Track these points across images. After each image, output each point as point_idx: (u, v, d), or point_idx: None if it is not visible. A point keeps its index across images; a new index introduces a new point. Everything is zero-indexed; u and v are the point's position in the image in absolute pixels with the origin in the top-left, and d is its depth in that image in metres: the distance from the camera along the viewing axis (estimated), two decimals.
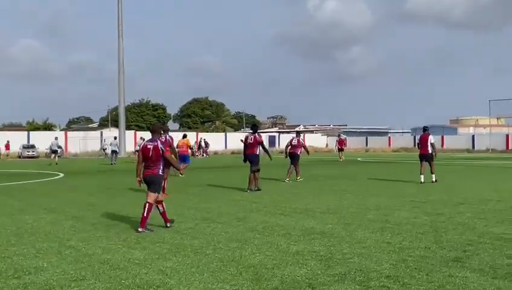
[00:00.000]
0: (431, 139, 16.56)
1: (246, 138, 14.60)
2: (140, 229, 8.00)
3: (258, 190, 14.16)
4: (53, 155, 35.45)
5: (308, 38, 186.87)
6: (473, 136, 59.84)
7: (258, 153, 14.47)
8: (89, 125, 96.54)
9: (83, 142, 58.81)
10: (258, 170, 14.29)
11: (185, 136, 22.69)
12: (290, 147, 18.10)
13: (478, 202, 11.30)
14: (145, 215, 8.04)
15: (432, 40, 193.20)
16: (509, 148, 53.65)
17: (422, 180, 16.05)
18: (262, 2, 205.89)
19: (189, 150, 23.51)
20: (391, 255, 6.31)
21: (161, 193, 8.47)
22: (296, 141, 18.15)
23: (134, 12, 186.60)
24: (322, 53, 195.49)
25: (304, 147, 18.63)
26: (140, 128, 74.26)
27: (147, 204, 8.11)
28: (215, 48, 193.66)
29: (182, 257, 6.36)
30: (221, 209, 10.61)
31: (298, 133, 19.82)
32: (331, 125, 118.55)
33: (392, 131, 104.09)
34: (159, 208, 8.37)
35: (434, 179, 16.23)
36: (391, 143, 65.76)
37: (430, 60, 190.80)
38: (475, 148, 56.13)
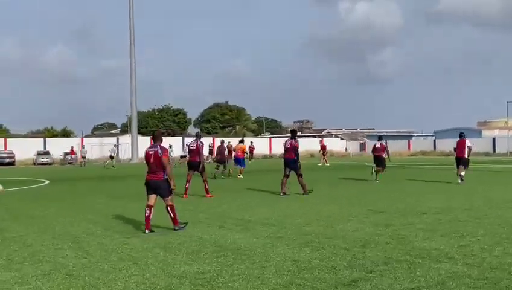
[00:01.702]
0: (467, 143, 17.78)
1: (285, 143, 14.80)
2: (176, 227, 8.66)
3: (310, 191, 14.31)
4: (108, 161, 39.16)
5: (337, 41, 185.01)
6: (494, 139, 57.78)
7: (295, 158, 14.29)
8: (111, 131, 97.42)
9: (99, 149, 59.25)
10: (301, 175, 14.35)
11: (241, 142, 25.13)
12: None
13: (442, 211, 10.45)
14: (172, 216, 8.68)
15: (464, 40, 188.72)
16: None
17: (459, 181, 17.16)
18: (291, 5, 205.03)
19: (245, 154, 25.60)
20: (283, 277, 5.62)
21: (169, 196, 8.79)
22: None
23: (161, 20, 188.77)
24: (351, 56, 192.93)
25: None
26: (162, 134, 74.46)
27: (169, 207, 8.70)
28: (244, 53, 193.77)
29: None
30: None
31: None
32: (358, 129, 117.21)
33: (415, 134, 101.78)
34: (146, 211, 8.67)
35: (460, 180, 17.23)
36: (411, 146, 64.06)
37: (462, 60, 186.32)
38: (496, 152, 54.20)
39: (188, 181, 14.74)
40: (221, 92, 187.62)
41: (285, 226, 9.02)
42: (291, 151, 14.33)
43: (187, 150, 16.43)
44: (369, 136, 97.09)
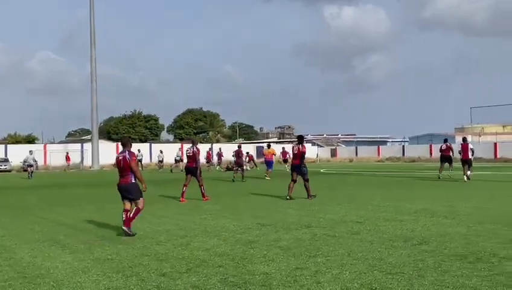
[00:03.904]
0: (470, 146, 21.44)
1: (292, 148, 15.30)
2: (125, 227, 8.74)
3: (313, 196, 14.61)
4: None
5: (325, 48, 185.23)
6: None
7: (301, 163, 14.66)
8: (83, 138, 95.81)
9: (63, 155, 57.85)
10: (307, 180, 14.68)
11: (269, 146, 29.52)
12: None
13: (335, 223, 9.68)
14: (131, 217, 8.83)
15: (451, 47, 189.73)
16: (497, 156, 51.45)
17: (465, 179, 20.56)
18: (280, 12, 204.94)
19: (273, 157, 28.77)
20: None
21: (140, 199, 9.02)
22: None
23: (154, 24, 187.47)
24: (339, 62, 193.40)
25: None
26: (132, 140, 73.36)
27: (135, 209, 8.90)
28: (233, 60, 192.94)
29: None
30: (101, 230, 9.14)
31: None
32: (339, 134, 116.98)
33: (390, 140, 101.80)
34: (123, 214, 8.94)
35: (466, 179, 20.67)
36: (380, 153, 63.67)
37: (447, 67, 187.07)
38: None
39: (185, 185, 15.29)
40: (202, 97, 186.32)
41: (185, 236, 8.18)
42: (298, 157, 14.68)
43: (179, 154, 17.66)
44: (348, 143, 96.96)
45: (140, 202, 8.99)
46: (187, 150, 15.81)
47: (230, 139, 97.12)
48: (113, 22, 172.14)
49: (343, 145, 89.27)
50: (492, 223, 9.44)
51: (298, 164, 14.77)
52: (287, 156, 37.52)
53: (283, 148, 35.65)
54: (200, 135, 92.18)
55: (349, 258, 6.76)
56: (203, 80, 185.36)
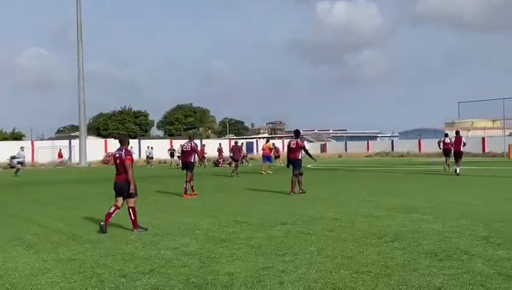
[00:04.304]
0: (463, 139, 22.16)
1: (289, 143, 15.17)
2: (135, 230, 8.81)
3: (303, 192, 14.63)
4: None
5: (318, 43, 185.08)
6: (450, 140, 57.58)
7: (300, 157, 14.77)
8: (72, 134, 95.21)
9: (51, 152, 57.36)
10: (301, 174, 14.81)
11: (267, 141, 31.05)
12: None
13: (312, 219, 9.54)
14: (133, 218, 8.89)
15: (443, 42, 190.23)
16: (485, 151, 51.63)
17: (458, 171, 21.27)
18: (272, 8, 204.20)
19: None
20: None
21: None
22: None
23: (144, 20, 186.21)
24: (331, 58, 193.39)
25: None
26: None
27: (130, 209, 8.89)
28: (225, 55, 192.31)
29: None
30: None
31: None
32: (330, 130, 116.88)
33: (380, 135, 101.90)
34: (111, 209, 9.00)
35: (458, 171, 21.20)
36: (369, 148, 63.67)
37: (439, 62, 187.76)
38: None
39: (186, 181, 15.21)
40: (193, 93, 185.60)
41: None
42: (297, 151, 14.72)
43: (180, 150, 17.67)
44: (338, 137, 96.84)
45: (131, 201, 8.95)
46: (184, 145, 15.92)
47: (220, 135, 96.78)
48: (102, 18, 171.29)
49: (334, 141, 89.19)
50: (470, 219, 9.33)
51: (296, 158, 14.76)
52: (279, 152, 37.75)
53: (273, 144, 35.59)
54: (190, 131, 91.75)
55: (318, 257, 6.61)
56: (194, 76, 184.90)
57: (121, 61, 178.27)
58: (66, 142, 62.31)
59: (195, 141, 15.96)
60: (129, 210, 8.94)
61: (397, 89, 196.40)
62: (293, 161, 14.85)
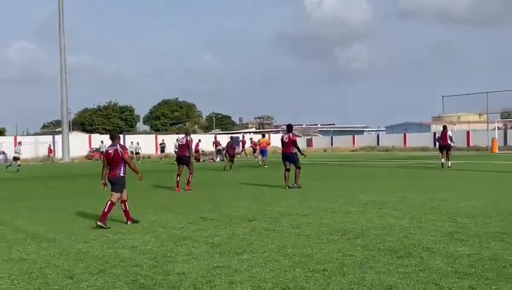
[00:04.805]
0: (449, 133, 22.39)
1: (282, 137, 15.28)
2: (99, 223, 8.66)
3: (299, 187, 14.63)
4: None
5: (306, 37, 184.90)
6: (434, 134, 57.82)
7: (294, 151, 14.86)
8: (57, 129, 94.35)
9: (34, 148, 56.71)
10: (299, 167, 14.83)
11: (264, 136, 32.05)
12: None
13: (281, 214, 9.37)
14: (105, 211, 8.81)
15: (430, 36, 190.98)
16: (470, 145, 51.87)
17: (443, 162, 21.81)
18: (260, 1, 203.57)
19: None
20: None
21: (124, 192, 9.21)
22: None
23: (130, 13, 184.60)
24: (319, 52, 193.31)
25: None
26: (106, 132, 72.30)
27: (109, 202, 8.93)
28: (214, 49, 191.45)
29: None
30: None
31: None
32: (319, 124, 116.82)
33: (367, 130, 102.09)
34: (122, 207, 9.16)
35: (449, 165, 21.68)
36: (355, 142, 63.71)
37: (429, 56, 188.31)
38: (437, 146, 54.25)
39: (178, 175, 15.45)
40: (180, 87, 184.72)
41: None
42: (290, 145, 14.78)
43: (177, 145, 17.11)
44: (325, 132, 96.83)
45: (114, 195, 9.07)
46: (180, 139, 16.01)
47: (207, 129, 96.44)
48: (88, 11, 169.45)
49: (321, 135, 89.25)
50: (439, 215, 9.23)
51: (290, 152, 14.84)
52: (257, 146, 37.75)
53: (251, 139, 35.63)
54: (177, 126, 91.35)
55: (276, 255, 6.45)
56: (181, 70, 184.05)
57: (104, 55, 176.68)
58: (49, 137, 61.59)
59: (191, 136, 16.14)
60: (121, 203, 9.15)
61: (385, 83, 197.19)
62: (288, 155, 14.93)
